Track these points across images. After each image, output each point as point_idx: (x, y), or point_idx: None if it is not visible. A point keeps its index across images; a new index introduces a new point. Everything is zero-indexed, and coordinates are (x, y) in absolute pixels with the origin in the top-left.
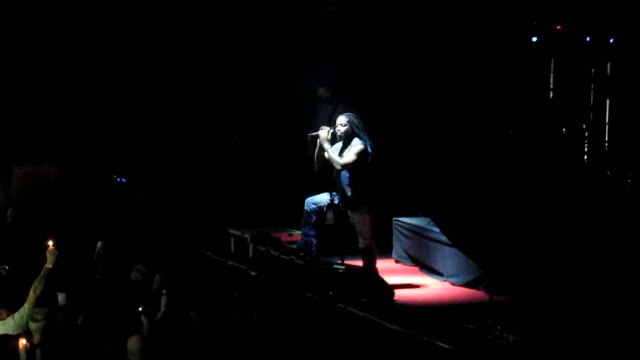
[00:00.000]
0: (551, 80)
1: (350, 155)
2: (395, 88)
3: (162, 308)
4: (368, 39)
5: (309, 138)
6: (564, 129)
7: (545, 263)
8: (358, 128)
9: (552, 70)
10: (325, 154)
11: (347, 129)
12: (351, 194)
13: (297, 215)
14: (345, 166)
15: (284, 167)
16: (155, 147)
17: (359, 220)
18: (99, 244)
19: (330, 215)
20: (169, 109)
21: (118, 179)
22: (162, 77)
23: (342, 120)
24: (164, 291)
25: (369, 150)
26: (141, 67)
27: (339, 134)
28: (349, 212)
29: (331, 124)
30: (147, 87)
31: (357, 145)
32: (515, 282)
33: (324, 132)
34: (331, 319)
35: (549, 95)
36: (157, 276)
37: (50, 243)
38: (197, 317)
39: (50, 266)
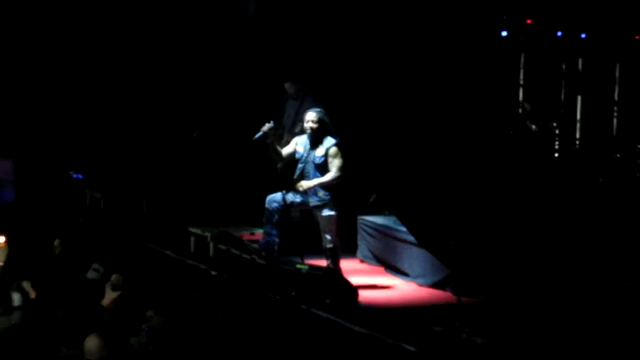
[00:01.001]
0: (521, 76)
1: (336, 170)
2: (360, 82)
3: (107, 303)
4: (333, 32)
5: (254, 140)
6: (533, 126)
7: (513, 263)
8: (329, 125)
9: (522, 66)
10: (312, 182)
11: (318, 126)
12: (322, 193)
13: (259, 214)
14: (338, 180)
15: (246, 164)
16: (113, 143)
17: (324, 219)
18: (57, 242)
19: (296, 214)
20: (127, 104)
21: (74, 176)
22: (120, 73)
23: (312, 116)
24: (108, 286)
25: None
26: (97, 62)
27: (308, 130)
28: (313, 211)
29: (297, 120)
30: (104, 82)
31: (335, 152)
32: (483, 283)
33: (266, 128)
34: (294, 320)
35: (519, 91)
36: (114, 275)
37: (2, 240)
38: (154, 317)
39: (1, 264)
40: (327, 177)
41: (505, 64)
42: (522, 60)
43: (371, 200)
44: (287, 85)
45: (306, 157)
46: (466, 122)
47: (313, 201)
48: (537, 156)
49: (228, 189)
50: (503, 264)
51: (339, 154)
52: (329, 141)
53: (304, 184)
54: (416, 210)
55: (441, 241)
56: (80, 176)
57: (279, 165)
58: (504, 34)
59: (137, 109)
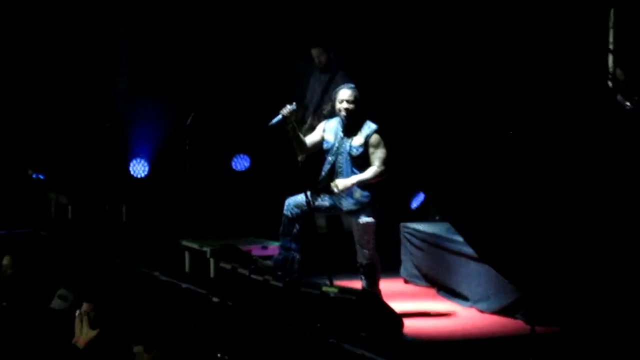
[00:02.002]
0: (610, 39)
1: (380, 164)
2: (409, 49)
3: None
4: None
5: (270, 126)
6: (627, 103)
7: (603, 284)
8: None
9: (611, 25)
10: (351, 180)
11: (355, 108)
12: (359, 194)
13: (274, 222)
14: (382, 176)
15: (256, 157)
16: (82, 133)
17: (361, 227)
18: (6, 260)
19: (322, 222)
20: (97, 79)
21: (34, 175)
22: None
23: (347, 94)
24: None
25: None
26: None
27: (342, 112)
28: (346, 217)
29: (325, 99)
30: (69, 65)
31: (378, 140)
32: (563, 309)
33: (287, 111)
34: (320, 359)
35: (608, 58)
36: (84, 304)
37: None
38: (143, 354)
39: None
40: (369, 172)
41: (590, 23)
42: (612, 17)
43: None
44: (315, 52)
45: (338, 148)
46: (540, 100)
47: (347, 205)
48: (633, 144)
49: (232, 191)
50: (590, 285)
51: (383, 143)
52: (369, 127)
53: (340, 184)
54: (476, 215)
55: (509, 255)
56: (41, 176)
57: (300, 158)
58: None
59: (110, 84)
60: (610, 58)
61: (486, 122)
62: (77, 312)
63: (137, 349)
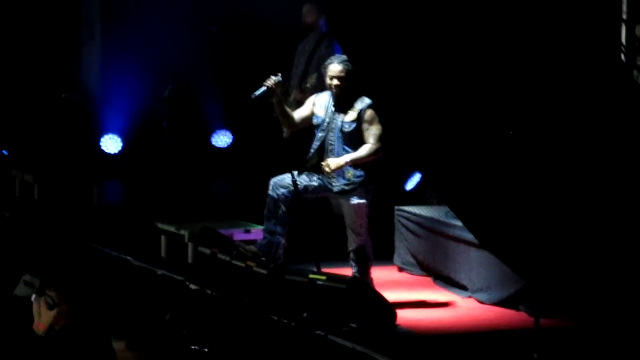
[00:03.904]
0: (624, 7)
1: (375, 141)
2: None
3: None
4: None
5: (253, 98)
6: None
7: (614, 273)
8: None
9: None
10: (344, 159)
11: (345, 83)
12: (351, 173)
13: (257, 204)
14: (377, 155)
15: (238, 133)
16: (49, 108)
17: (352, 210)
18: None
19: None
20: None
21: None
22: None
23: (337, 69)
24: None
25: None
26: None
27: (332, 88)
28: (335, 199)
29: (309, 70)
30: (35, 34)
31: (372, 116)
32: (570, 300)
33: (271, 82)
34: (306, 351)
35: (621, 29)
36: (52, 292)
37: None
38: (126, 352)
39: None
40: (363, 150)
41: None
42: None
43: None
44: (305, 9)
45: (329, 124)
46: (546, 75)
47: (338, 185)
48: None
49: (213, 169)
50: (600, 274)
51: (377, 119)
52: (363, 101)
53: (332, 163)
54: (477, 198)
55: (512, 241)
56: (4, 152)
57: (285, 134)
58: None
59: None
60: (623, 29)
61: (489, 97)
62: (33, 296)
63: (118, 345)
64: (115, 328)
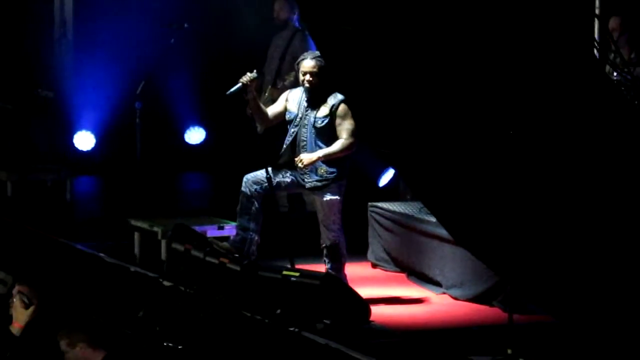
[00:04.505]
0: (596, 3)
1: (348, 136)
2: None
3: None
4: None
5: (228, 95)
6: (615, 74)
7: (589, 266)
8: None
9: None
10: (317, 154)
11: (317, 79)
12: (324, 169)
13: (230, 200)
14: (350, 150)
15: (211, 128)
16: (22, 104)
17: (325, 206)
18: None
19: (283, 199)
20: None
21: None
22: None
23: (310, 65)
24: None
25: None
26: None
27: (305, 84)
28: (307, 195)
29: (283, 67)
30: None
31: (345, 111)
32: (545, 295)
33: (247, 78)
34: (279, 348)
35: (594, 23)
36: (17, 286)
37: None
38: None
39: None
40: (336, 146)
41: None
42: None
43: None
44: (276, 5)
45: (302, 119)
46: (519, 70)
47: (310, 181)
48: (621, 122)
49: (185, 165)
50: (575, 268)
51: (350, 114)
52: (336, 97)
53: (305, 158)
54: (451, 193)
55: (486, 236)
56: None
57: (259, 130)
58: None
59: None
60: (596, 24)
61: (462, 91)
62: (13, 299)
63: (62, 344)
64: (79, 325)
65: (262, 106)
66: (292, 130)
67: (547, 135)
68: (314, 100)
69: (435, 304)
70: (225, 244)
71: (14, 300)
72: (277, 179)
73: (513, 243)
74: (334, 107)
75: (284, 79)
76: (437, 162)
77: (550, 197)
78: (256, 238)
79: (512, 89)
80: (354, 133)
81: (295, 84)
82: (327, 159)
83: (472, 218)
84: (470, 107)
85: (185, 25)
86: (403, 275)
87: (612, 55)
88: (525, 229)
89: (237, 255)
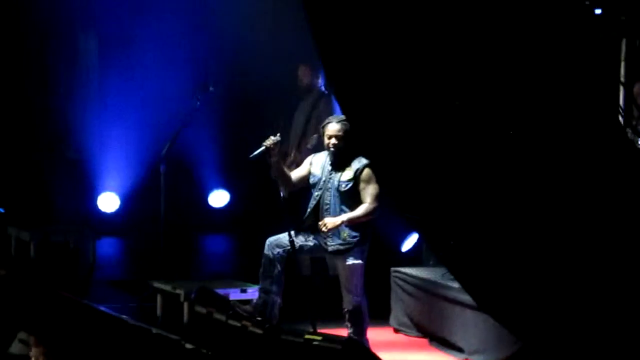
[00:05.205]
0: (622, 71)
1: (372, 200)
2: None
3: None
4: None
5: (252, 158)
6: None
7: (618, 331)
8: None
9: (623, 58)
10: (341, 218)
11: (343, 143)
12: (347, 233)
13: (253, 263)
14: (373, 214)
15: (235, 190)
16: (47, 166)
17: (347, 270)
18: None
19: (306, 262)
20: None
21: None
22: None
23: (335, 129)
24: None
25: None
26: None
27: (330, 147)
28: (330, 259)
29: (308, 131)
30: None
31: (369, 175)
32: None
33: (270, 142)
34: None
35: (619, 91)
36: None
37: None
38: None
39: None
40: (360, 210)
41: (600, 54)
42: (624, 48)
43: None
44: (300, 71)
45: (325, 183)
46: (547, 135)
47: (333, 245)
48: None
49: (208, 227)
50: (603, 331)
51: (374, 178)
52: (360, 161)
53: (329, 222)
54: (476, 259)
55: (511, 303)
56: (1, 210)
57: (283, 194)
58: (599, 11)
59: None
60: (621, 92)
61: (488, 160)
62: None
63: None
64: None
65: (286, 170)
66: (316, 193)
67: (573, 203)
68: (339, 163)
69: None
70: (247, 307)
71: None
72: (300, 243)
73: (537, 309)
74: (358, 171)
75: (308, 142)
76: (461, 228)
77: (576, 264)
78: (278, 301)
79: (537, 158)
80: (377, 198)
81: (320, 147)
82: (350, 223)
83: (496, 283)
84: (499, 175)
85: (211, 88)
86: (425, 340)
87: (636, 121)
88: (550, 295)
89: (259, 318)
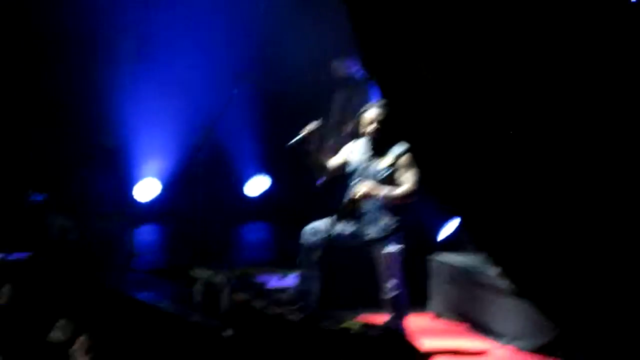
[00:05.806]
0: None
1: (412, 184)
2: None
3: None
4: None
5: (291, 145)
6: None
7: None
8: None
9: None
10: (379, 188)
11: (380, 128)
12: (386, 220)
13: (292, 250)
14: (412, 197)
15: (274, 178)
16: (87, 153)
17: (386, 257)
18: (6, 288)
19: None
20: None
21: (32, 197)
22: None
23: (374, 114)
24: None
25: None
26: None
27: (370, 133)
28: (368, 246)
29: (345, 117)
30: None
31: (408, 161)
32: (609, 348)
33: (309, 129)
34: None
35: None
36: (81, 338)
37: None
38: None
39: None
40: (400, 189)
41: (635, 43)
42: None
43: None
44: (334, 65)
45: (364, 170)
46: (595, 129)
47: (373, 232)
48: None
49: (247, 215)
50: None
51: (414, 164)
52: (399, 147)
53: (368, 187)
54: (513, 245)
55: (548, 288)
56: (40, 197)
57: (320, 181)
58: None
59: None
60: None
61: (531, 141)
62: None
63: None
64: None
65: (323, 158)
66: (354, 182)
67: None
68: (377, 150)
69: (498, 356)
70: (285, 294)
71: (75, 350)
72: (338, 230)
73: (577, 295)
74: (398, 157)
75: (344, 131)
76: (502, 214)
77: (622, 258)
78: (316, 289)
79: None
80: (416, 183)
81: (356, 136)
82: (386, 200)
83: (533, 270)
84: (541, 165)
85: (250, 79)
86: (465, 326)
87: None
88: (589, 281)
89: (297, 306)
